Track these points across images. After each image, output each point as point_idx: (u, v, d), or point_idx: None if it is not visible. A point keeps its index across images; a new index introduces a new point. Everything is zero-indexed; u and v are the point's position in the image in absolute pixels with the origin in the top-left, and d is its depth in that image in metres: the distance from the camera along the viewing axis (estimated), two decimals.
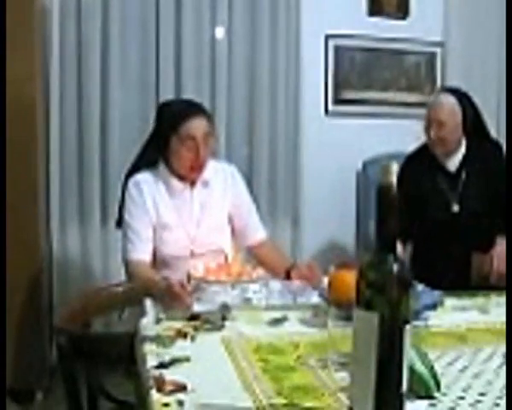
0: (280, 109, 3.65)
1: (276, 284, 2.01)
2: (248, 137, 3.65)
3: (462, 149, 2.77)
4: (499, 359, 1.38)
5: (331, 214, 3.79)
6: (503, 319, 1.52)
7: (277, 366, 1.32)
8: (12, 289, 2.81)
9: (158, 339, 1.48)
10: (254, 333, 1.56)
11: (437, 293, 1.79)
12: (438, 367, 1.25)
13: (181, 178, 2.26)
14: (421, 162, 2.82)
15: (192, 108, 2.25)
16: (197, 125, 2.18)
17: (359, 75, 3.87)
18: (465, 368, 1.32)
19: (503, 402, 1.14)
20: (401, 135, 3.58)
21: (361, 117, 3.85)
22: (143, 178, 2.25)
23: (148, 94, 3.43)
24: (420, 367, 1.16)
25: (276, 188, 3.67)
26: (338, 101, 3.84)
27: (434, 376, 1.18)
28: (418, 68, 3.96)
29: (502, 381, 1.24)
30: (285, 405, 1.13)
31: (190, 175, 2.24)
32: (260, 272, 1.93)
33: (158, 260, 2.25)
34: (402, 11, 3.89)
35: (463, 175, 2.76)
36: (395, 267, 0.98)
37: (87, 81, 3.35)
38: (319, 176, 3.76)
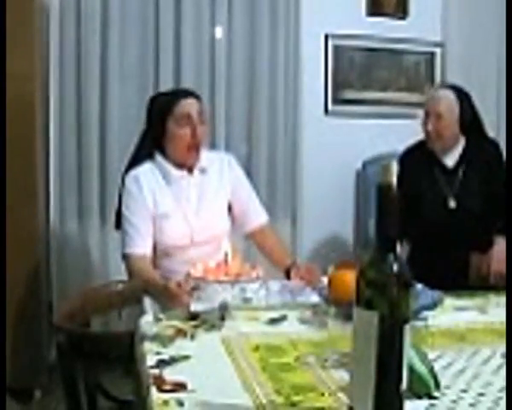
0: (279, 109, 3.65)
1: (275, 284, 2.01)
2: (248, 136, 3.65)
3: (461, 146, 2.78)
4: (498, 359, 1.38)
5: (330, 213, 3.80)
6: (502, 319, 1.52)
7: (277, 366, 1.32)
8: (11, 286, 2.81)
9: (157, 338, 1.48)
10: (254, 332, 1.55)
11: (436, 293, 1.79)
12: (437, 367, 1.25)
13: (178, 165, 2.27)
14: (419, 157, 2.83)
15: (183, 91, 2.39)
16: (191, 104, 2.25)
17: (359, 75, 3.87)
18: (464, 368, 1.32)
19: (502, 402, 1.14)
20: (401, 135, 3.56)
21: (360, 117, 3.85)
22: (140, 171, 2.27)
23: (148, 93, 3.40)
24: (419, 367, 1.16)
25: (275, 187, 3.67)
26: (337, 100, 3.84)
27: (434, 375, 1.18)
28: (418, 68, 3.96)
29: (501, 381, 1.24)
30: (284, 404, 1.13)
31: (188, 156, 2.26)
32: (260, 271, 1.94)
33: (159, 251, 2.26)
34: (401, 11, 3.89)
35: (461, 172, 2.77)
36: (395, 267, 0.98)
37: (86, 80, 3.34)
38: (319, 175, 3.76)
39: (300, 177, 3.71)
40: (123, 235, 2.23)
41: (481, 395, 1.18)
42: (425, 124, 2.75)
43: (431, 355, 1.26)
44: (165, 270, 2.21)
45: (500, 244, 2.65)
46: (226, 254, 2.01)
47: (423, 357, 1.19)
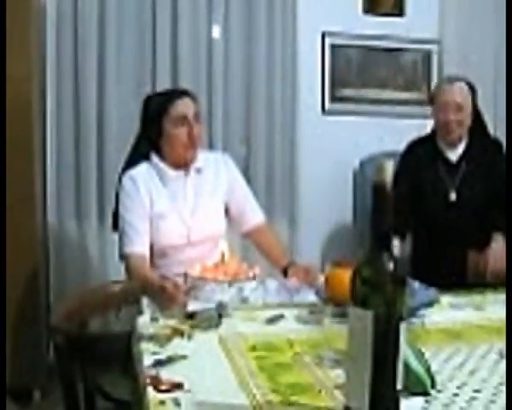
0: (277, 108, 3.65)
1: (272, 283, 2.02)
2: (245, 136, 3.64)
3: (464, 142, 2.80)
4: (494, 356, 1.38)
5: (328, 212, 3.80)
6: (499, 316, 1.52)
7: (274, 364, 1.32)
8: (9, 287, 2.82)
9: (154, 338, 1.48)
10: (251, 331, 1.56)
11: (433, 290, 1.80)
12: (433, 364, 1.25)
13: (174, 166, 2.28)
14: (423, 151, 2.85)
15: (178, 91, 2.38)
16: (186, 105, 2.26)
17: (356, 73, 3.87)
18: (461, 365, 1.32)
19: (498, 399, 1.15)
20: (398, 133, 3.58)
21: (358, 115, 3.85)
22: (136, 171, 2.27)
23: (145, 93, 3.39)
24: (415, 365, 1.16)
25: (273, 186, 3.67)
26: (335, 99, 3.84)
27: (430, 373, 1.18)
28: (415, 66, 3.96)
29: (497, 378, 1.25)
30: (281, 403, 1.13)
31: (185, 155, 2.26)
32: (257, 270, 1.94)
33: (156, 251, 2.26)
34: (398, 9, 3.89)
35: (463, 166, 2.78)
36: (390, 265, 0.98)
37: (83, 80, 3.34)
38: (316, 174, 3.76)
39: (298, 176, 3.71)
40: (121, 235, 2.24)
41: (477, 391, 1.19)
42: (441, 115, 2.75)
43: (427, 353, 1.26)
44: (162, 270, 2.21)
45: (498, 242, 2.66)
46: (223, 254, 2.01)
47: (420, 355, 1.20)
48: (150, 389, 1.18)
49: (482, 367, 1.31)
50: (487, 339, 1.51)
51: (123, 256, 2.21)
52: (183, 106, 2.24)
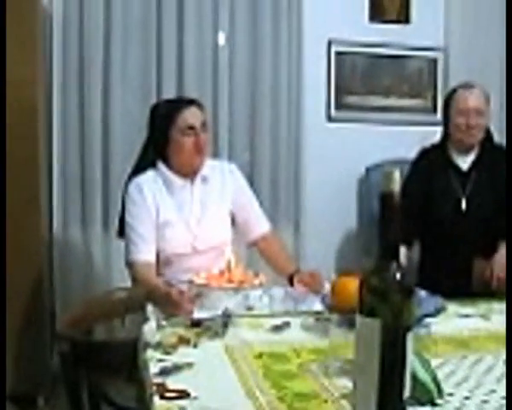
0: (282, 115, 3.65)
1: (277, 291, 2.01)
2: (250, 143, 3.65)
3: (476, 150, 2.79)
4: (501, 366, 1.37)
5: (333, 220, 3.79)
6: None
7: (279, 373, 1.32)
8: (14, 294, 2.81)
9: (160, 346, 1.48)
10: (256, 340, 1.55)
11: (439, 300, 1.79)
12: (440, 374, 1.25)
13: (181, 174, 2.28)
14: (435, 159, 2.84)
15: (185, 100, 2.39)
16: (194, 114, 2.26)
17: (361, 81, 3.87)
18: (468, 375, 1.32)
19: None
20: (404, 141, 3.58)
21: (363, 122, 3.85)
22: (143, 179, 2.27)
23: (150, 99, 3.41)
24: (422, 374, 1.16)
25: (277, 194, 3.67)
26: (340, 106, 3.84)
27: (437, 383, 1.17)
28: (420, 74, 3.96)
29: (504, 389, 1.24)
30: None
31: (192, 162, 2.26)
32: (262, 278, 1.93)
33: (161, 259, 2.26)
34: (403, 17, 3.89)
35: (474, 175, 2.77)
36: (397, 274, 0.98)
37: (89, 86, 3.36)
38: (321, 182, 3.75)
39: (303, 183, 3.71)
40: (127, 242, 2.24)
41: (485, 401, 1.18)
42: (460, 119, 2.74)
43: (434, 363, 1.26)
44: (168, 278, 2.21)
45: (502, 250, 2.65)
46: (229, 262, 2.01)
47: (426, 364, 1.19)
48: (156, 397, 1.18)
49: (489, 378, 1.31)
50: (494, 349, 1.51)
51: (129, 263, 2.21)
52: (191, 116, 2.24)
